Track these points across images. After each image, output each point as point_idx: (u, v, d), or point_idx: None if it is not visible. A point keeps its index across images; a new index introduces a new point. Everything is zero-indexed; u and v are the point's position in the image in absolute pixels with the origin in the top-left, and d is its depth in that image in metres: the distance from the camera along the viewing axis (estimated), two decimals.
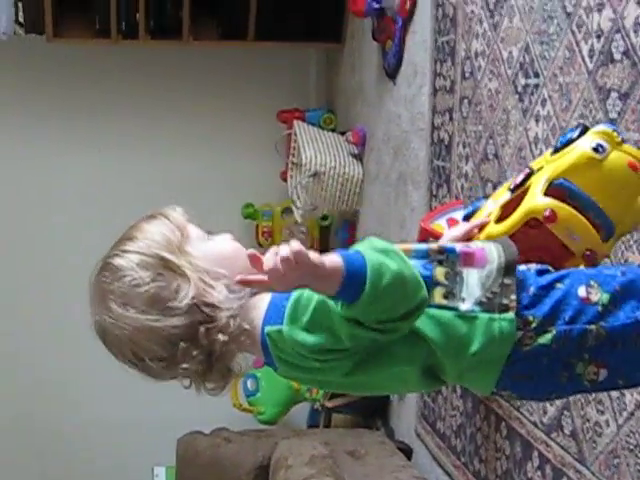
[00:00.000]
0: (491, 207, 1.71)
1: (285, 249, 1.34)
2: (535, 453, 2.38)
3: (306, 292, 1.47)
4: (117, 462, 4.81)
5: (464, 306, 1.51)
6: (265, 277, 1.36)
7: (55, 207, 4.84)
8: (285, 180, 4.43)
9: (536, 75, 2.31)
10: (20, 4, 4.19)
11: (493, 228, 1.66)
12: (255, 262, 1.37)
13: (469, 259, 1.54)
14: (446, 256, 1.54)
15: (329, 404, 3.92)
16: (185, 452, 3.62)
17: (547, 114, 2.26)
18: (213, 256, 1.62)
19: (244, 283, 1.41)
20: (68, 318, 4.80)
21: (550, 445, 2.30)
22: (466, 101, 2.81)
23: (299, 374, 1.61)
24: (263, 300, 1.59)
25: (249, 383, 4.42)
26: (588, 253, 1.62)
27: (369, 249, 1.39)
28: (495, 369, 1.53)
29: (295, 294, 1.50)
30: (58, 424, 4.87)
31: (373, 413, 3.82)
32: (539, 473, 2.37)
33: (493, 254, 1.55)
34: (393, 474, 3.08)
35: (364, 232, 4.06)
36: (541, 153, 2.27)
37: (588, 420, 2.15)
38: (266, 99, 4.74)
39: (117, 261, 1.61)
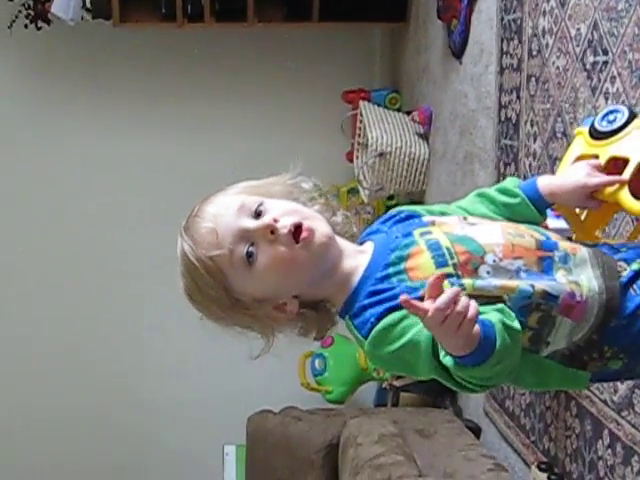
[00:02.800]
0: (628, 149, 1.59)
1: (465, 306, 1.31)
2: (605, 431, 2.38)
3: (402, 324, 1.46)
4: (188, 441, 4.88)
5: (546, 351, 1.51)
6: (426, 307, 1.31)
7: (123, 190, 4.90)
8: (351, 161, 4.44)
9: (605, 52, 2.30)
10: None
11: (629, 202, 1.56)
12: (432, 288, 1.33)
13: (568, 311, 1.49)
14: (546, 302, 1.48)
15: (397, 383, 3.94)
16: (255, 431, 3.66)
17: (616, 91, 2.24)
18: (262, 290, 1.54)
19: (405, 303, 1.32)
20: (137, 300, 4.89)
21: (621, 423, 2.29)
22: (533, 79, 2.80)
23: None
24: (355, 274, 1.54)
25: (317, 362, 4.45)
26: None
27: (502, 326, 1.38)
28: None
29: (387, 320, 1.47)
30: (129, 404, 4.95)
31: (441, 392, 3.83)
32: (609, 451, 2.37)
33: (593, 310, 1.50)
34: (462, 453, 3.09)
35: None
36: None
37: None
38: (331, 80, 4.75)
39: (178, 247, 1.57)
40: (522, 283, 1.47)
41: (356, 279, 1.53)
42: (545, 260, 1.51)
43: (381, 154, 3.97)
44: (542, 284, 1.47)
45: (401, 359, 1.47)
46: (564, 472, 2.63)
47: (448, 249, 1.50)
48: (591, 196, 1.61)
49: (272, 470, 3.56)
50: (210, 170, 4.76)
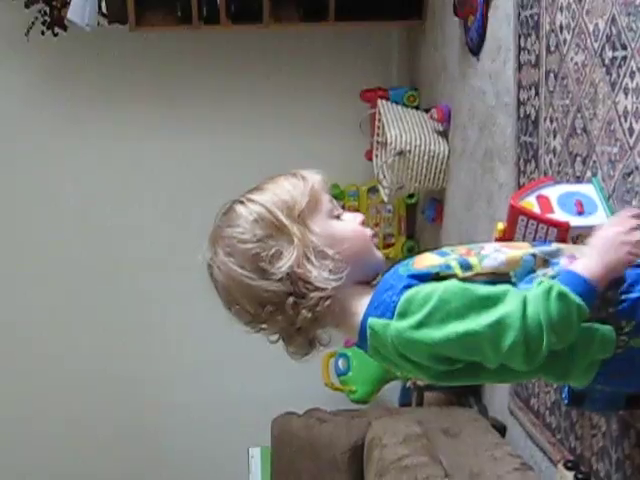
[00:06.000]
0: None
1: None
2: (632, 431, 2.36)
3: (424, 291, 1.53)
4: (213, 444, 4.89)
5: None
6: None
7: (139, 195, 4.91)
8: (370, 160, 4.42)
9: (623, 47, 2.27)
10: None
11: None
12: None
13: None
14: (551, 269, 1.61)
15: (421, 382, 3.92)
16: (280, 433, 3.65)
17: (636, 86, 2.22)
18: (329, 235, 1.66)
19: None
20: (162, 304, 4.90)
21: None
22: (552, 75, 2.77)
23: (386, 363, 1.66)
24: (366, 294, 1.62)
25: (340, 362, 4.44)
26: None
27: None
28: (591, 371, 1.56)
29: (407, 294, 1.55)
30: (154, 408, 4.96)
31: (465, 390, 3.81)
32: (637, 450, 2.34)
33: None
34: (488, 452, 3.07)
35: (451, 209, 4.04)
36: (631, 127, 2.24)
37: None
38: (349, 79, 4.74)
39: (239, 208, 1.68)
40: (524, 253, 1.62)
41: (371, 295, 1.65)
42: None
43: (400, 153, 3.95)
44: (543, 252, 1.63)
45: (431, 324, 1.53)
46: (591, 471, 2.61)
47: (450, 249, 1.68)
48: None
49: (297, 472, 3.55)
50: (230, 172, 4.76)
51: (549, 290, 1.48)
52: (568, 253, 1.63)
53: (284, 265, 1.60)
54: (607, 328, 1.55)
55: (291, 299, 1.61)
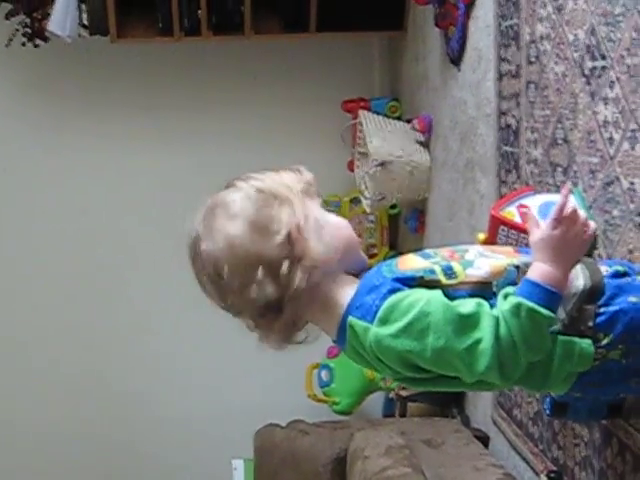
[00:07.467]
0: None
1: (591, 225, 1.64)
2: (614, 440, 2.36)
3: (407, 300, 1.53)
4: (196, 455, 4.86)
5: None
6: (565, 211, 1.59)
7: (123, 206, 4.89)
8: (352, 170, 4.42)
9: (603, 57, 2.28)
10: (84, 7, 4.23)
11: None
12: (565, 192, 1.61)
13: None
14: None
15: (404, 393, 3.91)
16: (262, 445, 3.64)
17: (615, 96, 2.22)
18: (325, 221, 1.68)
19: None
20: (144, 316, 4.88)
21: (629, 432, 2.27)
22: (532, 86, 2.78)
23: (362, 363, 1.67)
24: (350, 285, 1.62)
25: (323, 374, 4.44)
26: None
27: None
28: (569, 381, 1.57)
29: (392, 299, 1.55)
30: (136, 420, 4.93)
31: (448, 401, 3.81)
32: (619, 459, 2.34)
33: (579, 280, 1.57)
34: (470, 462, 3.07)
35: (433, 220, 4.04)
36: (611, 137, 2.24)
37: None
38: (330, 89, 4.74)
39: (240, 183, 1.71)
40: (509, 263, 1.61)
41: (355, 288, 1.64)
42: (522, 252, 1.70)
43: (382, 163, 3.95)
44: (526, 264, 1.61)
45: (411, 334, 1.53)
46: None
47: (433, 251, 1.68)
48: None
49: None
50: (212, 181, 4.74)
51: (518, 307, 1.49)
52: None
53: (287, 224, 1.60)
54: (586, 342, 1.55)
55: (287, 262, 1.59)
